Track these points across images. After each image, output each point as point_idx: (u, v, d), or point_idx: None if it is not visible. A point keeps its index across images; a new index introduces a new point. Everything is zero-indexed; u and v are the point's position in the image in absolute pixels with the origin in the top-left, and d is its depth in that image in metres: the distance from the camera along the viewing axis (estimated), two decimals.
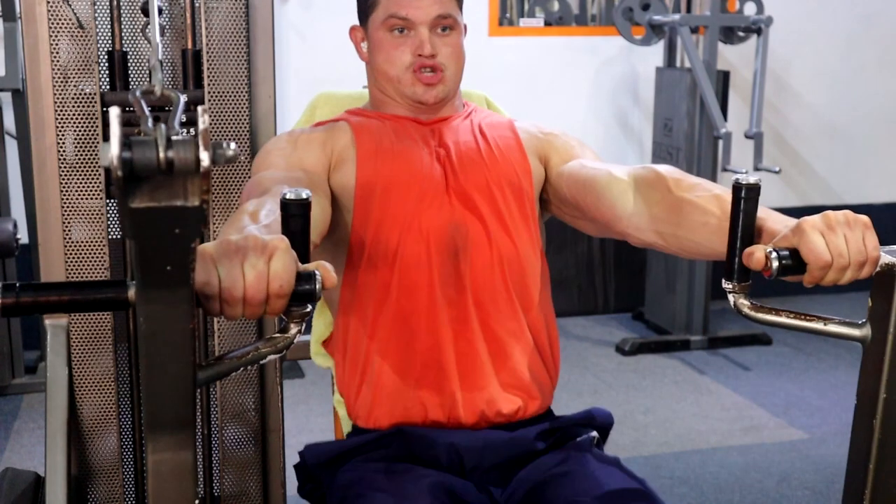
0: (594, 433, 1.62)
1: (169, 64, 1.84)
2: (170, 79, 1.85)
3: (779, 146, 4.75)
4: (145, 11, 1.79)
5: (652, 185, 1.46)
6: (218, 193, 1.85)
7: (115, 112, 0.78)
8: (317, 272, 1.02)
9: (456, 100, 1.73)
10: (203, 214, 0.79)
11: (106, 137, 1.78)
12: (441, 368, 1.58)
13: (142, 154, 0.77)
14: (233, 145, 0.83)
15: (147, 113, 0.88)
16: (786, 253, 1.15)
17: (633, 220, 1.48)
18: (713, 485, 2.94)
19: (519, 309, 1.62)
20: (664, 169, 1.47)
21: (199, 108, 0.79)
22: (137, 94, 0.93)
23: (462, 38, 1.67)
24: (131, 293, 0.94)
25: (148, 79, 1.80)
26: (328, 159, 1.62)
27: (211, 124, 1.82)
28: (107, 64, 1.81)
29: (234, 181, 1.87)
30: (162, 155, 0.77)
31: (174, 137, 0.78)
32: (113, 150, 0.76)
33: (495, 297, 1.60)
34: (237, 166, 1.86)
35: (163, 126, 0.79)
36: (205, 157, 0.78)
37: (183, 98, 0.93)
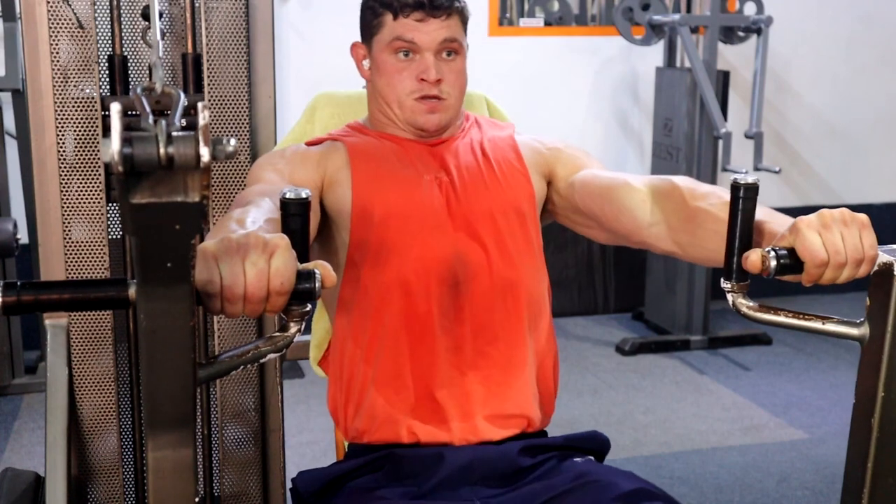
0: (591, 458, 1.61)
1: (169, 64, 1.84)
2: (170, 79, 1.85)
3: (779, 146, 4.75)
4: (145, 16, 1.79)
5: (668, 196, 1.47)
6: (217, 191, 1.85)
7: (115, 108, 0.78)
8: (316, 271, 1.03)
9: (457, 120, 1.70)
10: (203, 210, 0.80)
11: (106, 134, 1.78)
12: (434, 399, 1.57)
13: (142, 150, 0.77)
14: (233, 141, 0.83)
15: (148, 109, 0.88)
16: (783, 252, 1.15)
17: (654, 229, 1.49)
18: (713, 485, 2.94)
19: (520, 338, 1.61)
20: (679, 179, 1.48)
21: (199, 104, 0.80)
22: (138, 91, 0.93)
23: (466, 61, 1.66)
24: (131, 291, 0.94)
25: (148, 78, 1.80)
26: (321, 178, 1.60)
27: (211, 124, 1.82)
28: (107, 67, 1.80)
29: (233, 179, 1.87)
30: (162, 151, 0.77)
31: (174, 133, 0.78)
32: (114, 145, 0.76)
33: (495, 327, 1.59)
34: (236, 165, 1.86)
35: (163, 122, 0.79)
36: (205, 153, 0.78)
37: (183, 96, 0.93)
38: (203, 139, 0.78)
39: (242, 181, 1.86)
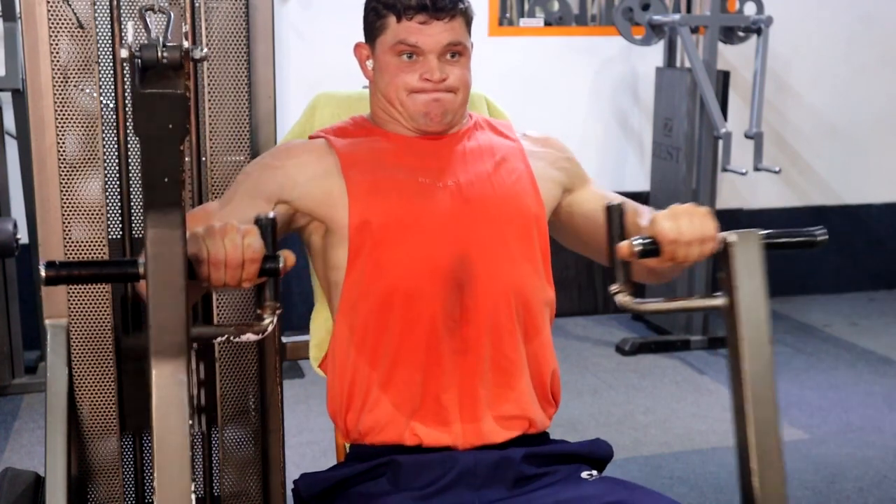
0: (594, 472, 1.61)
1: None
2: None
3: (779, 146, 4.75)
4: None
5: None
6: (218, 192, 1.86)
7: (131, 25, 1.26)
8: (280, 254, 1.30)
9: (461, 118, 1.70)
10: (186, 103, 1.18)
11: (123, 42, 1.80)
12: (439, 401, 1.58)
13: (147, 52, 1.17)
14: (204, 49, 1.25)
15: (149, 25, 1.32)
16: (647, 240, 1.41)
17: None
18: (713, 485, 2.94)
19: (522, 342, 1.62)
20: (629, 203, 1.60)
21: (183, 24, 1.07)
22: (141, 10, 1.34)
23: (470, 62, 1.65)
24: (140, 268, 1.23)
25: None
26: (285, 187, 1.60)
27: (211, 124, 1.83)
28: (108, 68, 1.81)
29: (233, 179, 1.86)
30: (160, 53, 1.17)
31: (168, 43, 1.17)
32: (130, 48, 1.18)
33: (499, 329, 1.59)
34: (236, 167, 1.86)
35: (160, 36, 1.20)
36: (186, 46, 1.17)
37: (174, 15, 1.32)
38: (188, 44, 1.18)
39: None
